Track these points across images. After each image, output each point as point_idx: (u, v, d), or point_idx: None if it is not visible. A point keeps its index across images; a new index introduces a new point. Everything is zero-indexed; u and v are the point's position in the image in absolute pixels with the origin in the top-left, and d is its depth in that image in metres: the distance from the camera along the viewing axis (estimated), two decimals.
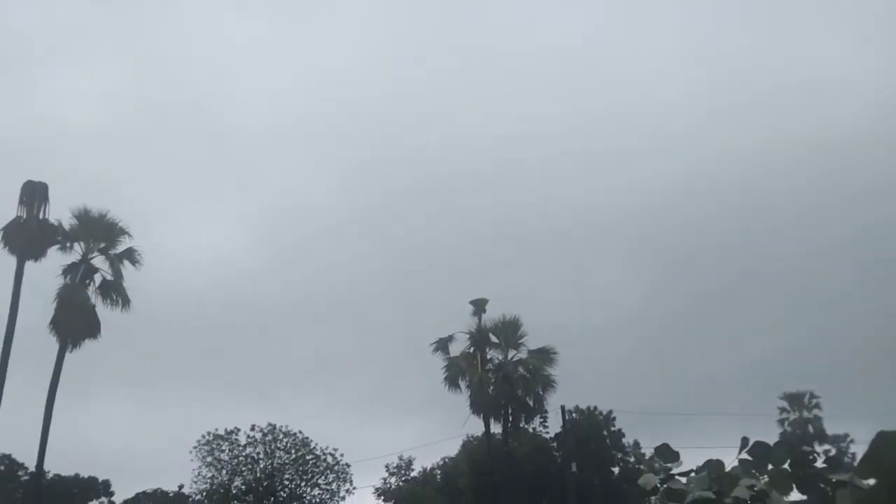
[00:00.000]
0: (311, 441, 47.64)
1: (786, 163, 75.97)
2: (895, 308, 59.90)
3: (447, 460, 48.59)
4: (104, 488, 49.32)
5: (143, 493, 50.19)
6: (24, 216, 32.20)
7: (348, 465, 47.86)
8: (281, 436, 47.38)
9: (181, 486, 48.84)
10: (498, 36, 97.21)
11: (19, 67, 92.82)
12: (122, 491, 49.81)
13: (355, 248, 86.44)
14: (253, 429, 47.08)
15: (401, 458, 52.72)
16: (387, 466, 52.28)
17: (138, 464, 58.90)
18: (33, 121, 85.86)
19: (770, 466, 6.44)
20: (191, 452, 46.20)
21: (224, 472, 46.46)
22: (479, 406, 36.69)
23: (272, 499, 46.58)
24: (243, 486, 46.56)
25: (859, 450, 56.38)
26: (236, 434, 47.06)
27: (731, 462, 6.52)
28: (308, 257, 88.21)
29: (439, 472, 50.39)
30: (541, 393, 37.28)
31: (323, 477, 47.67)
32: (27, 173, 33.61)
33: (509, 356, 38.19)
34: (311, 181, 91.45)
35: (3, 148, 75.02)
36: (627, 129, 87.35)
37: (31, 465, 33.87)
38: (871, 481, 4.35)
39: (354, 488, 48.13)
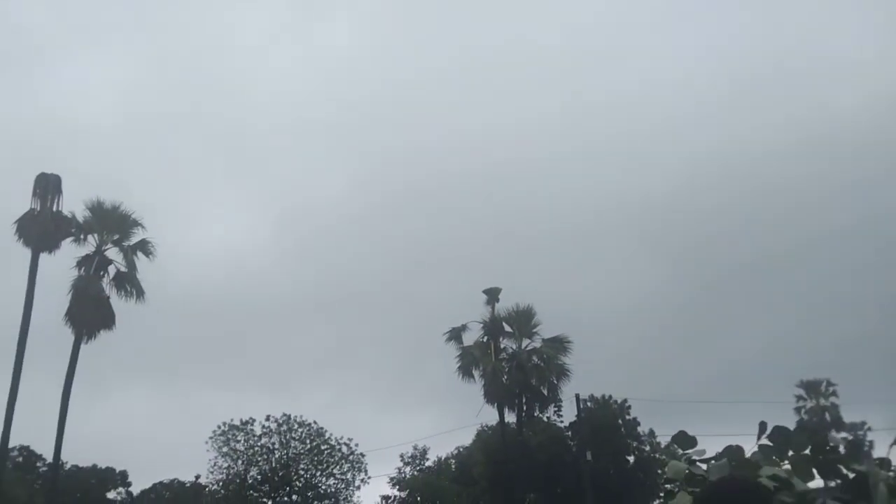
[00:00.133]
0: (326, 431, 47.83)
1: (801, 147, 75.26)
2: None
3: (461, 450, 48.63)
4: (121, 479, 49.74)
5: (160, 483, 50.59)
6: (38, 209, 32.34)
7: (363, 455, 48.02)
8: (296, 426, 47.57)
9: (198, 477, 49.22)
10: (504, 29, 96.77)
11: (33, 62, 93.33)
12: (139, 481, 50.22)
13: (369, 239, 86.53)
14: (268, 419, 47.29)
15: (415, 448, 52.90)
16: (401, 456, 52.46)
17: (155, 455, 59.44)
18: (47, 115, 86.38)
19: (791, 452, 6.29)
20: (206, 443, 46.51)
21: (240, 462, 46.72)
22: (493, 395, 36.60)
23: (288, 489, 46.80)
24: (259, 476, 46.81)
25: (877, 438, 55.97)
26: (251, 424, 47.29)
27: (750, 448, 6.36)
28: (322, 249, 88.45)
29: (454, 461, 50.43)
30: (555, 382, 37.14)
31: (338, 467, 47.84)
32: (42, 167, 33.67)
33: (523, 345, 38.07)
34: (325, 174, 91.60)
35: (18, 142, 75.50)
36: (638, 117, 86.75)
37: (50, 457, 34.12)
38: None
39: (369, 478, 48.32)
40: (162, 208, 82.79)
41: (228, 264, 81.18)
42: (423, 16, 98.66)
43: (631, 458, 37.46)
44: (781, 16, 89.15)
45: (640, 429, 38.16)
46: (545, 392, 37.31)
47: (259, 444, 46.95)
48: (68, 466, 45.46)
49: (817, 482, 6.27)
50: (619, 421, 37.72)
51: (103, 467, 48.60)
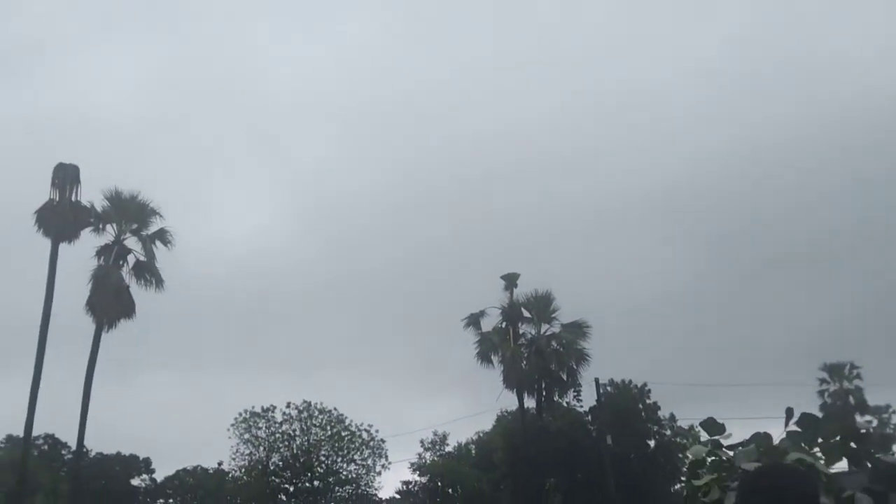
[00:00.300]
0: (346, 417, 47.99)
1: (827, 133, 74.06)
2: None
3: (482, 435, 48.66)
4: (145, 466, 50.23)
5: (184, 470, 51.03)
6: (57, 199, 32.46)
7: (383, 441, 48.16)
8: (316, 412, 47.75)
9: (220, 463, 49.61)
10: (526, 25, 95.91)
11: (54, 53, 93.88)
12: (162, 468, 50.71)
13: (390, 226, 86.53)
14: (288, 406, 47.51)
15: (435, 434, 52.93)
16: (422, 441, 52.53)
17: (178, 442, 60.02)
18: (67, 106, 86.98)
19: (820, 440, 6.09)
20: (228, 430, 46.83)
21: (261, 448, 47.01)
22: (513, 381, 36.48)
23: (309, 474, 47.07)
24: (280, 463, 47.10)
25: None
26: (272, 411, 47.54)
27: (778, 434, 6.18)
28: (343, 237, 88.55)
29: (474, 446, 50.46)
30: (574, 367, 36.96)
31: (359, 453, 48.02)
32: (62, 158, 33.77)
33: (542, 331, 37.89)
34: (346, 163, 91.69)
35: (38, 133, 76.08)
36: (662, 105, 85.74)
37: (74, 445, 34.47)
38: None
39: (390, 463, 48.47)
40: (183, 198, 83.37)
41: (250, 253, 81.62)
42: (457, 11, 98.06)
43: (651, 443, 37.25)
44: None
45: (660, 413, 37.93)
46: (564, 377, 37.12)
47: (280, 430, 47.22)
48: (93, 454, 45.98)
49: (841, 464, 6.10)
50: (640, 405, 37.50)
51: (127, 455, 49.09)
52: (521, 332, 38.05)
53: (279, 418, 47.31)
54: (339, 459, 47.79)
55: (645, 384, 37.84)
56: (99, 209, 33.65)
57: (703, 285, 73.70)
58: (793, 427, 6.18)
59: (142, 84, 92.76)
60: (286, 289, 77.31)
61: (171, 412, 61.68)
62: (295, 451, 46.79)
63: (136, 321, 33.39)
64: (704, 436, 6.40)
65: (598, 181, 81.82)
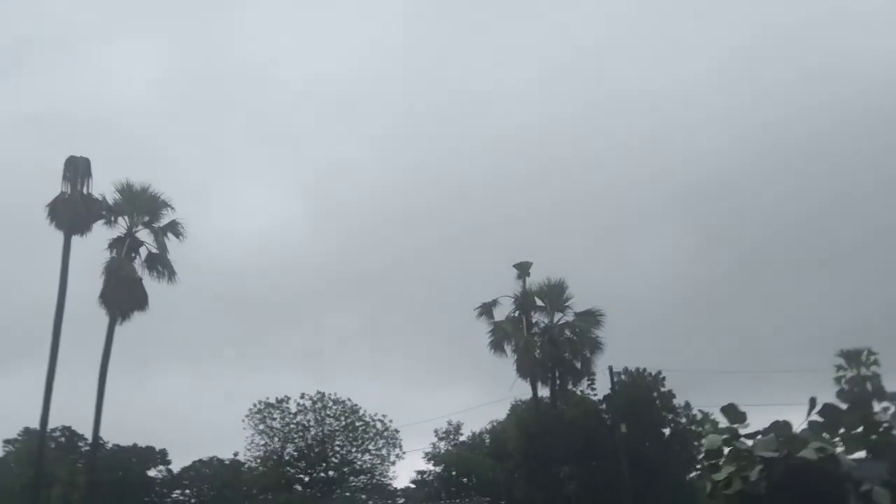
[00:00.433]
0: (360, 408, 48.08)
1: (851, 127, 73.10)
2: None
3: (496, 424, 48.58)
4: (161, 457, 50.47)
5: (200, 461, 51.28)
6: (69, 192, 32.52)
7: (397, 431, 48.23)
8: (330, 403, 47.90)
9: (236, 454, 49.81)
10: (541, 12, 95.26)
11: (66, 47, 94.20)
12: (178, 460, 50.97)
13: (401, 218, 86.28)
14: (302, 397, 47.68)
15: (449, 423, 52.96)
16: (436, 431, 52.58)
17: (194, 433, 60.37)
18: (81, 98, 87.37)
19: (842, 430, 5.91)
20: (243, 421, 47.06)
21: (276, 439, 47.24)
22: (526, 370, 36.34)
23: (324, 465, 47.25)
24: (295, 453, 47.31)
25: None
26: (286, 402, 47.72)
27: (799, 423, 5.99)
28: (354, 228, 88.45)
29: (488, 435, 50.42)
30: (588, 355, 36.75)
31: (373, 443, 48.15)
32: (74, 149, 33.83)
33: (555, 319, 37.68)
34: (357, 153, 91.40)
35: (53, 124, 76.45)
36: (672, 92, 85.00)
37: (91, 437, 34.66)
38: None
39: (404, 453, 48.58)
40: (197, 192, 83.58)
41: (261, 245, 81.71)
42: (476, 6, 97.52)
43: (666, 431, 37.01)
44: None
45: (675, 401, 37.66)
46: (578, 365, 36.94)
47: (294, 421, 47.42)
48: (110, 446, 46.25)
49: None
50: (654, 394, 37.24)
51: (143, 446, 49.34)
52: (534, 320, 37.89)
53: (293, 409, 47.54)
54: (354, 449, 47.96)
55: (659, 372, 37.57)
56: (110, 202, 33.73)
57: (717, 273, 73.18)
58: (815, 417, 5.99)
59: (155, 78, 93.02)
60: (300, 280, 77.53)
61: (185, 403, 62.03)
62: (309, 441, 46.99)
63: (150, 313, 33.53)
64: (723, 422, 6.22)
65: (613, 173, 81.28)
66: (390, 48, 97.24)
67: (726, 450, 6.06)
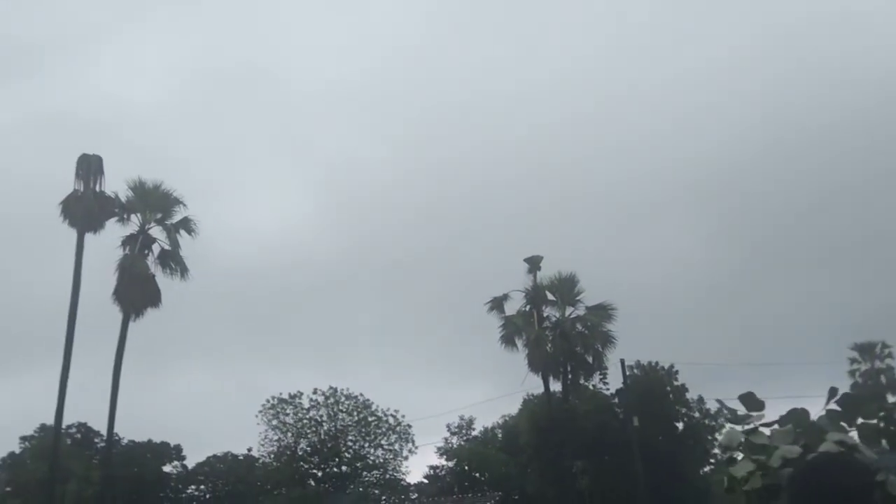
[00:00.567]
0: (373, 403, 48.16)
1: (863, 118, 72.50)
2: None
3: (508, 418, 48.57)
4: (176, 453, 50.71)
5: (214, 456, 51.50)
6: (81, 189, 32.72)
7: (409, 426, 48.30)
8: (343, 398, 48.00)
9: (250, 449, 50.01)
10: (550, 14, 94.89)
11: (79, 44, 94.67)
12: (193, 455, 51.20)
13: (412, 212, 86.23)
14: (315, 392, 47.80)
15: (462, 418, 52.97)
16: (448, 426, 52.59)
17: (208, 429, 60.72)
18: (94, 96, 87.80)
19: (860, 420, 5.85)
20: (256, 416, 47.25)
21: (289, 434, 47.40)
22: (537, 364, 36.27)
23: (337, 460, 47.40)
24: (308, 448, 47.46)
25: None
26: (299, 398, 47.87)
27: (816, 412, 5.95)
28: (366, 225, 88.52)
29: (500, 430, 50.42)
30: (600, 349, 36.65)
31: (385, 438, 48.23)
32: (87, 148, 34.05)
33: (566, 313, 37.57)
34: (369, 150, 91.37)
35: (66, 124, 76.87)
36: (686, 79, 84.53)
37: (106, 433, 34.91)
38: None
39: (417, 448, 48.63)
40: (205, 188, 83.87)
41: (274, 242, 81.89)
42: (491, 3, 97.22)
43: (679, 425, 36.93)
44: None
45: (688, 395, 37.57)
46: (590, 360, 36.86)
47: (307, 416, 47.57)
48: (125, 442, 46.53)
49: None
50: (667, 388, 37.16)
51: (158, 442, 49.58)
52: (545, 314, 37.80)
53: (306, 404, 47.68)
54: (367, 444, 48.07)
55: (672, 366, 37.53)
56: (123, 199, 33.89)
57: (730, 267, 72.78)
58: (833, 406, 5.94)
59: (167, 74, 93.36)
60: (312, 277, 77.59)
61: (199, 399, 62.36)
62: (322, 436, 47.13)
63: (163, 310, 33.72)
64: (741, 410, 6.17)
65: (624, 167, 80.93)
66: (402, 48, 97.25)
67: (743, 440, 6.04)
